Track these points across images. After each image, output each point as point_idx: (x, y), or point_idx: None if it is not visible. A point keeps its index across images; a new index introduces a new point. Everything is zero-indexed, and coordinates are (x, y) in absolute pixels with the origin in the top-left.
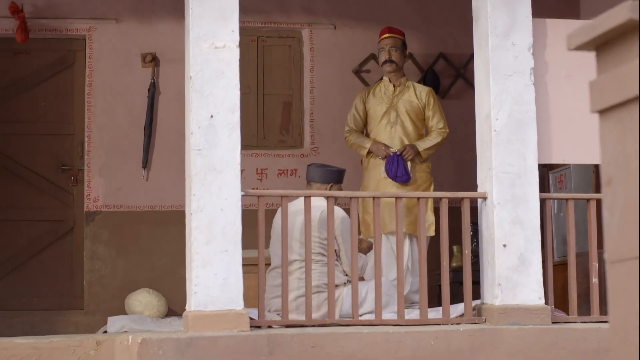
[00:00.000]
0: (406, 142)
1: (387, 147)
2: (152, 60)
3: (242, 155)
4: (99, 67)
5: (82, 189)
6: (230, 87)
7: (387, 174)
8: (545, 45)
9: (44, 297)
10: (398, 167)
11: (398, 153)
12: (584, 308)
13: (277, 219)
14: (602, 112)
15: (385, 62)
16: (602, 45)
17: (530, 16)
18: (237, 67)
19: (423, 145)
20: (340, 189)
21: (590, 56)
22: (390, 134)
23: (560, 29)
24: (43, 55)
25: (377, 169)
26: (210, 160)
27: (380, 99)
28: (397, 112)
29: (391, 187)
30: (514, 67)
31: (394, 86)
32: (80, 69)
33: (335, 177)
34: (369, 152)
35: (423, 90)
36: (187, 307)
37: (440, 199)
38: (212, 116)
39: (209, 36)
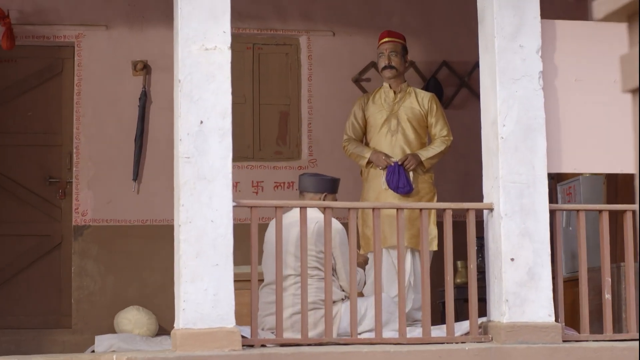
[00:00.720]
0: (408, 151)
1: (387, 156)
2: (143, 68)
3: (237, 168)
4: (88, 75)
5: (70, 202)
6: (222, 92)
7: (388, 185)
8: (555, 48)
9: (30, 315)
10: (399, 178)
11: (399, 163)
12: (596, 326)
13: (270, 233)
14: (635, 91)
15: (384, 67)
16: (635, 14)
17: (539, 17)
18: (228, 70)
19: (426, 154)
20: (335, 199)
21: (603, 59)
22: (391, 142)
23: (570, 30)
24: (30, 63)
25: (377, 179)
26: (199, 168)
27: (380, 106)
28: (398, 119)
29: (392, 199)
30: (522, 71)
31: (395, 92)
32: (68, 77)
33: (328, 186)
34: (368, 162)
35: (425, 96)
36: (175, 324)
37: (444, 210)
38: (202, 122)
39: (199, 37)
